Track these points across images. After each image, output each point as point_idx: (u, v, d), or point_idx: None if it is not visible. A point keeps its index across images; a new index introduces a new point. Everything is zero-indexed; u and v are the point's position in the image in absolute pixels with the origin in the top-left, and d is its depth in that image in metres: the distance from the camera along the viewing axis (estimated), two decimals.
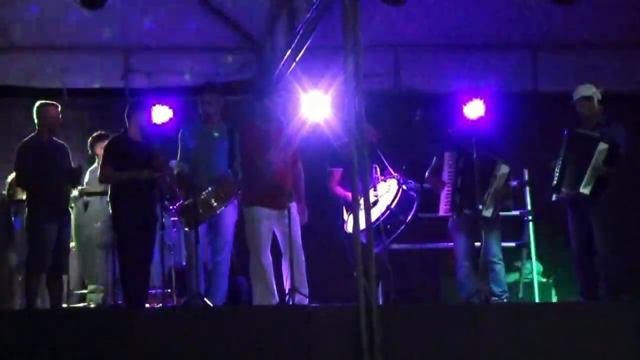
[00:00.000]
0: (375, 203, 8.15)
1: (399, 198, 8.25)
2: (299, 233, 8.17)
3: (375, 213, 8.03)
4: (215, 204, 8.04)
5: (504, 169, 8.37)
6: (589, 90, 8.22)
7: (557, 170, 8.16)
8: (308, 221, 8.33)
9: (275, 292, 8.05)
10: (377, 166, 8.34)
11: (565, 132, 8.23)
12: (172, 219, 8.93)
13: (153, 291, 8.76)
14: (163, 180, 8.14)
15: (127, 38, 10.16)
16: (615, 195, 8.01)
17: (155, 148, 8.27)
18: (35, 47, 10.14)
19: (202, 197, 8.00)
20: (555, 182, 8.19)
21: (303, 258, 8.14)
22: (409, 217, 8.29)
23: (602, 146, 7.95)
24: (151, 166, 8.10)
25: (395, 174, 8.36)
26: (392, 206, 8.23)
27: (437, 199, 8.48)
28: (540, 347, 6.88)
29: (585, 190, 7.99)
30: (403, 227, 8.29)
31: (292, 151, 8.29)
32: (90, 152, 9.30)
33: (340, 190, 8.48)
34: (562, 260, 9.31)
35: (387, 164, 8.39)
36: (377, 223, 7.99)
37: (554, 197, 8.25)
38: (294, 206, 8.16)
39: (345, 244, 8.18)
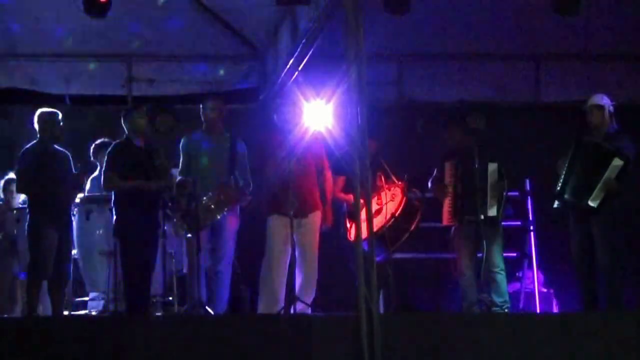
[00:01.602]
0: (379, 211, 8.16)
1: (403, 206, 8.25)
2: (315, 242, 8.19)
3: (380, 221, 8.03)
4: (215, 208, 8.05)
5: (492, 166, 8.35)
6: (601, 99, 8.19)
7: (562, 176, 8.13)
8: None
9: (282, 303, 8.02)
10: (382, 174, 8.35)
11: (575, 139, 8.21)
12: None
13: (154, 299, 8.74)
14: (166, 189, 8.15)
15: (130, 46, 10.18)
16: (617, 206, 8.00)
17: (158, 153, 8.25)
18: (38, 55, 10.17)
19: (203, 201, 8.02)
20: (558, 189, 8.15)
21: (315, 267, 8.14)
22: (413, 226, 8.29)
23: (617, 162, 7.88)
24: (154, 172, 8.09)
25: (400, 183, 8.36)
26: (397, 214, 8.23)
27: (440, 208, 8.48)
28: (542, 358, 6.87)
29: (593, 203, 7.93)
30: (407, 235, 8.29)
31: (315, 160, 8.30)
32: (92, 159, 9.29)
33: (343, 198, 8.48)
34: (563, 271, 9.29)
35: (390, 173, 8.39)
36: (381, 231, 7.99)
37: (555, 204, 8.22)
38: (316, 214, 8.17)
39: (347, 252, 8.19)
